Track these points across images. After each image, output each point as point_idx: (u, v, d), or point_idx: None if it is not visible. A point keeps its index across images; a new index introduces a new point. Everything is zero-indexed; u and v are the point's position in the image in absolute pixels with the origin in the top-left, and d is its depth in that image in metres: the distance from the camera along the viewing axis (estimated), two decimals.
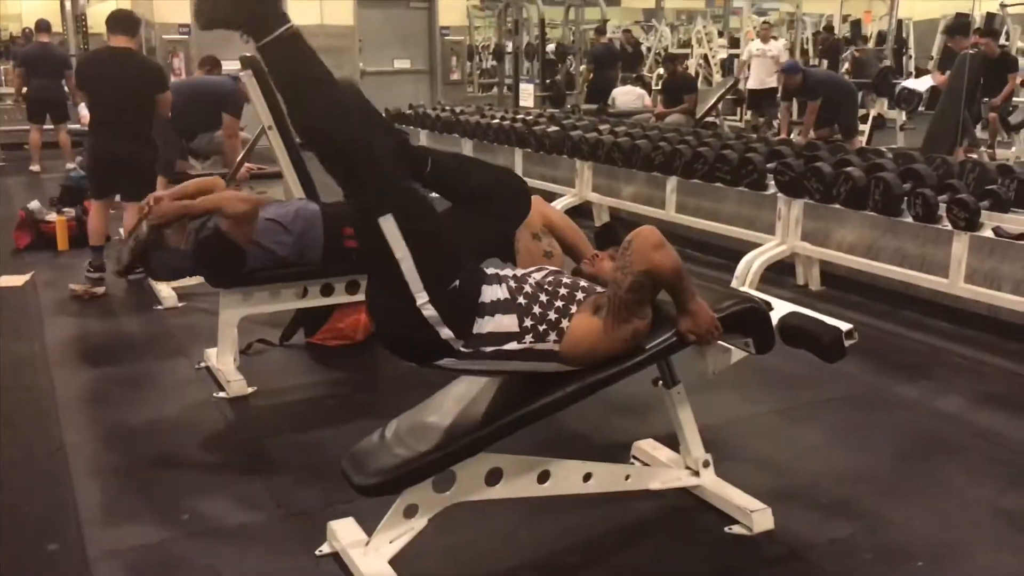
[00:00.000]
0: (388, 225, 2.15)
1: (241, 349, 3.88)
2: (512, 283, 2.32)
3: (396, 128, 2.67)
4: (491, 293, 2.28)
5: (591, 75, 10.28)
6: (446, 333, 2.21)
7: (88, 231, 5.33)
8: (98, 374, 3.95)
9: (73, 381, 3.84)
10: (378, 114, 2.48)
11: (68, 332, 4.50)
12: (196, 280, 4.60)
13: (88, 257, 5.16)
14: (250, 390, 3.63)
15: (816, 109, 8.22)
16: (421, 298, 2.17)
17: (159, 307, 4.78)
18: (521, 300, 2.28)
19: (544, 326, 2.26)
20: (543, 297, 2.30)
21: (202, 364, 3.92)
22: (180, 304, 4.78)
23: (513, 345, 2.25)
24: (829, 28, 14.19)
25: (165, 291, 4.86)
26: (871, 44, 14.06)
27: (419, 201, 2.25)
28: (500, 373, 2.37)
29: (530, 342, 2.26)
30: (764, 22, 12.26)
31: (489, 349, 2.24)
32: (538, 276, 2.40)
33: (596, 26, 12.81)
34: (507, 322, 2.25)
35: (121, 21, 5.18)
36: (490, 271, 2.37)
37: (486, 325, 2.24)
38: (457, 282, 2.22)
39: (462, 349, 2.23)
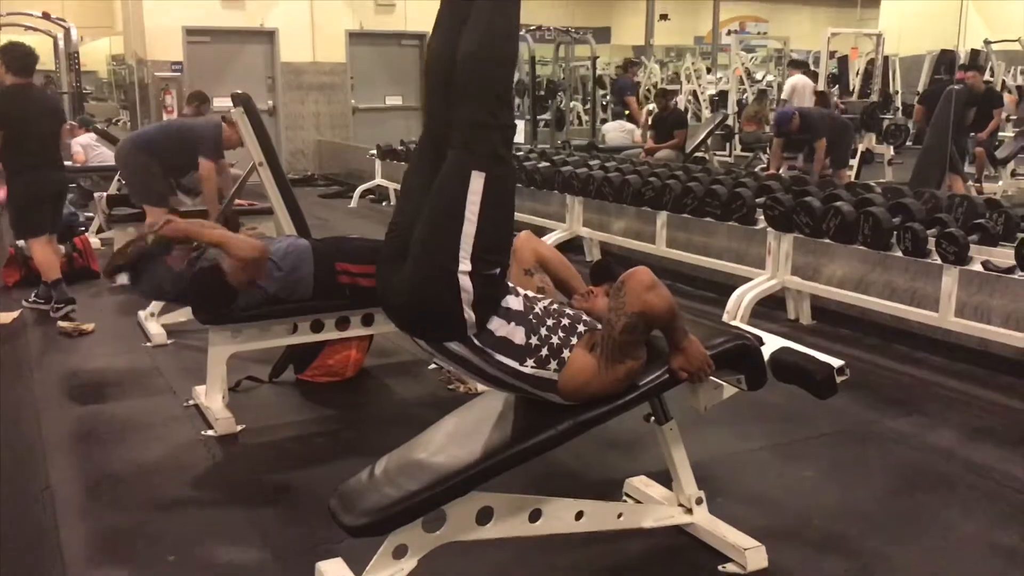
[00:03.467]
0: (476, 183, 2.16)
1: (230, 386, 3.86)
2: (527, 301, 2.34)
3: None
4: (510, 301, 2.29)
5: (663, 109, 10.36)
6: (468, 314, 2.20)
7: (41, 268, 5.34)
8: (86, 412, 3.92)
9: (60, 419, 3.80)
10: None
11: (56, 370, 4.46)
12: (185, 316, 4.60)
13: (78, 294, 5.14)
14: (239, 428, 3.60)
15: (825, 146, 8.29)
16: (464, 265, 2.16)
17: (148, 344, 4.75)
18: (532, 317, 2.29)
19: (546, 351, 2.27)
20: (549, 321, 2.31)
21: (191, 402, 3.89)
22: (169, 342, 4.75)
23: (515, 364, 2.25)
24: (795, 63, 14.32)
25: (154, 328, 4.83)
26: (858, 78, 14.19)
27: (512, 179, 2.29)
28: (499, 385, 2.35)
29: (532, 366, 2.25)
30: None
31: (495, 356, 2.24)
32: (544, 302, 2.41)
33: (623, 61, 12.93)
34: (517, 332, 2.26)
35: (20, 58, 5.19)
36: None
37: (499, 327, 2.25)
38: (497, 270, 2.23)
39: (474, 340, 2.23)
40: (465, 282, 2.17)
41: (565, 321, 2.34)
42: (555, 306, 2.40)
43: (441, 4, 2.36)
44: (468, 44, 2.21)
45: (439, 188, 2.22)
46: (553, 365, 2.27)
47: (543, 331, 2.28)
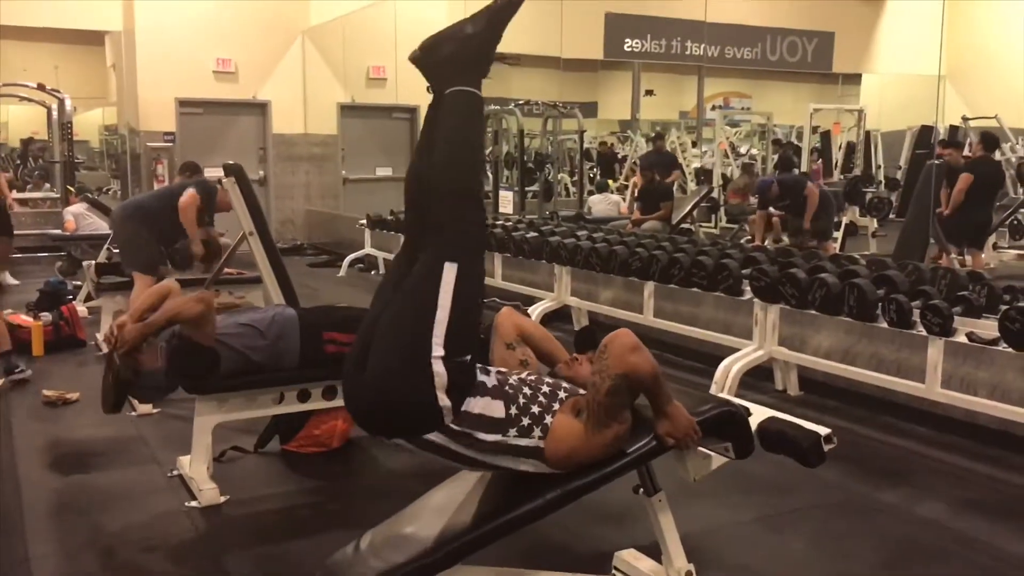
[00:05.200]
0: (449, 274, 2.22)
1: (215, 456, 3.82)
2: (499, 375, 2.36)
3: None
4: (483, 379, 2.31)
5: (642, 181, 10.54)
6: (443, 400, 2.21)
7: None
8: (67, 482, 3.86)
9: (41, 489, 3.75)
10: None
11: (38, 439, 4.41)
12: None
13: (64, 362, 5.11)
14: (223, 499, 3.55)
15: (816, 193, 8.47)
16: (438, 351, 2.19)
17: (133, 413, 4.71)
18: (508, 389, 2.31)
19: (528, 419, 2.27)
20: (526, 390, 2.33)
21: (175, 472, 3.85)
22: (154, 411, 4.71)
23: (499, 437, 2.24)
24: (777, 141, 14.65)
25: None
26: (840, 153, 14.46)
27: (481, 271, 2.37)
28: (485, 465, 2.34)
29: (515, 435, 2.25)
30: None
31: (478, 436, 2.23)
32: (520, 375, 2.42)
33: (654, 134, 13.15)
34: (495, 406, 2.27)
35: None
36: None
37: (476, 405, 2.25)
38: (468, 357, 2.27)
39: (452, 426, 2.23)
40: (439, 367, 2.20)
41: (545, 388, 2.36)
42: (532, 377, 2.41)
43: (421, 131, 2.52)
44: (434, 155, 2.34)
45: (412, 281, 2.30)
46: (537, 432, 2.27)
47: (521, 399, 2.30)
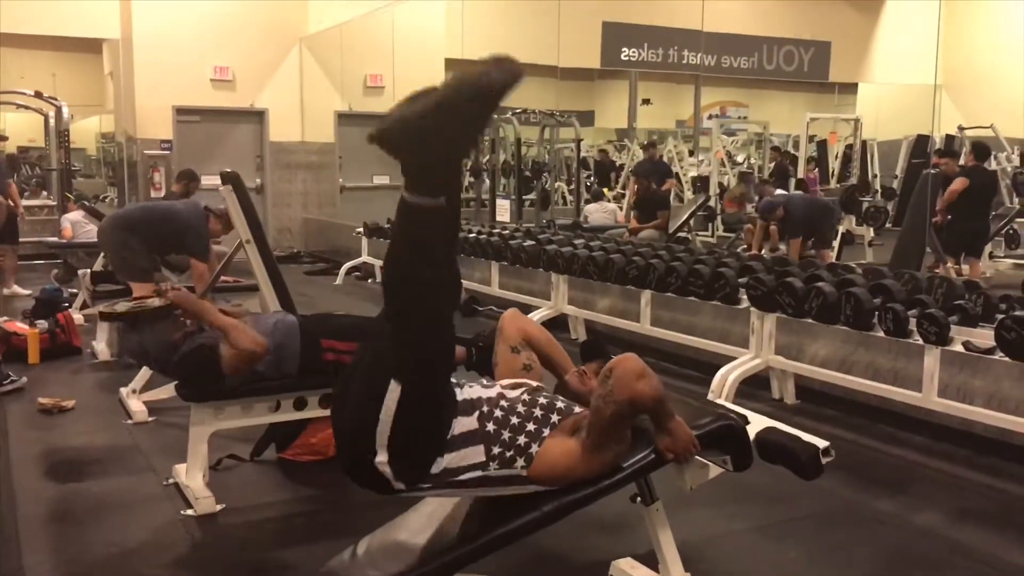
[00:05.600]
0: (392, 394, 2.13)
1: (211, 465, 3.81)
2: (485, 408, 2.30)
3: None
4: (461, 425, 2.26)
5: (637, 189, 10.57)
6: (399, 485, 2.22)
7: None
8: (63, 491, 3.85)
9: (36, 498, 3.73)
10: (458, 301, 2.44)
11: (34, 447, 4.39)
12: (167, 394, 4.56)
13: (60, 370, 5.09)
14: (219, 507, 3.54)
15: (799, 245, 8.49)
16: (380, 456, 2.18)
17: (129, 421, 4.70)
18: (490, 427, 2.26)
19: (512, 452, 2.24)
20: (514, 420, 2.28)
21: (170, 480, 3.83)
22: (150, 419, 4.70)
23: (479, 473, 2.23)
24: (776, 148, 14.71)
25: (135, 406, 4.78)
26: (837, 161, 14.50)
27: (437, 391, 2.22)
28: (463, 495, 2.34)
29: (496, 468, 2.24)
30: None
31: (452, 479, 2.23)
32: (513, 394, 2.38)
33: (647, 142, 13.19)
34: (473, 453, 2.24)
35: None
36: (468, 394, 2.35)
37: (450, 460, 2.24)
38: (424, 453, 2.22)
39: (422, 485, 2.25)
40: (384, 469, 2.19)
41: (537, 412, 2.31)
42: (524, 398, 2.36)
43: None
44: (383, 275, 2.25)
45: (362, 379, 2.22)
46: (520, 462, 2.25)
47: (506, 434, 2.26)
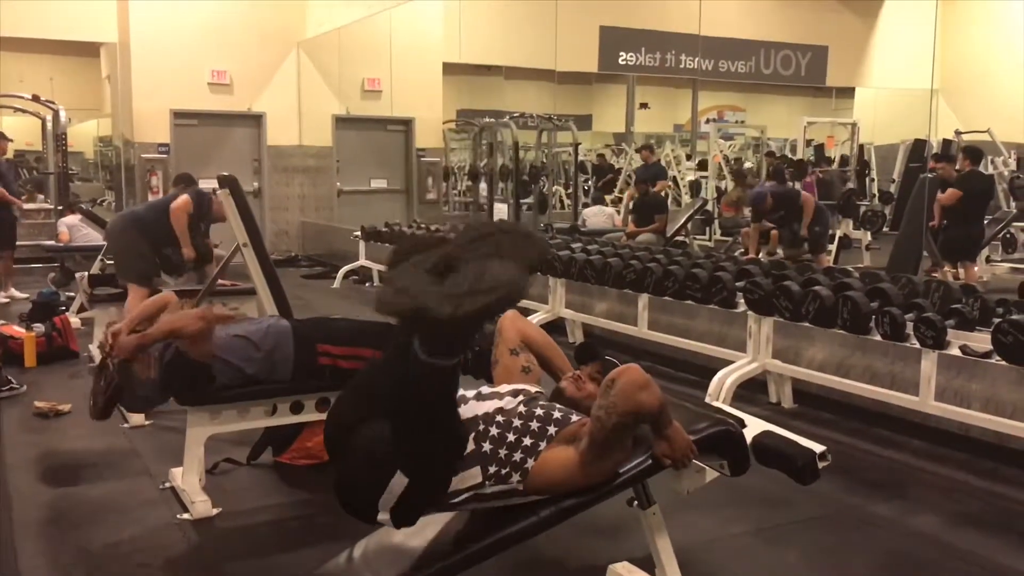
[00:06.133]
0: (398, 481, 2.16)
1: (207, 468, 3.80)
2: (481, 427, 2.29)
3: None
4: None
5: (637, 193, 10.59)
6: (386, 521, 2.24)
7: None
8: (59, 495, 3.84)
9: (32, 502, 3.72)
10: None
11: (30, 451, 4.38)
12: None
13: (56, 373, 5.09)
14: (215, 511, 3.53)
15: (812, 203, 8.56)
16: (383, 516, 2.21)
17: (125, 425, 4.69)
18: (486, 447, 2.25)
19: (508, 469, 2.24)
20: (511, 437, 2.26)
21: (167, 484, 3.83)
22: (147, 423, 4.69)
23: (475, 492, 2.23)
24: (771, 153, 14.74)
25: None
26: (834, 166, 14.53)
27: (445, 488, 2.25)
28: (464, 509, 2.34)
29: (491, 485, 2.24)
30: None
31: (451, 502, 2.24)
32: (510, 407, 2.37)
33: (643, 145, 13.21)
34: (469, 476, 2.24)
35: None
36: (465, 411, 2.34)
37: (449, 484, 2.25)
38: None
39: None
40: (384, 517, 2.22)
41: (534, 425, 2.30)
42: (521, 410, 2.35)
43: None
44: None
45: (366, 447, 2.18)
46: (516, 478, 2.24)
47: (502, 452, 2.25)
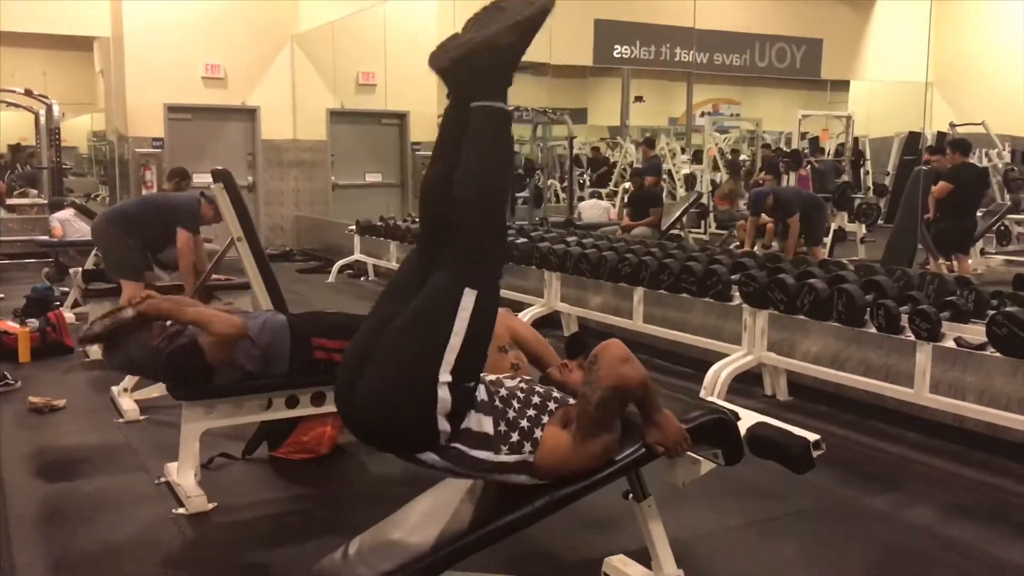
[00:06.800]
0: (467, 300, 2.16)
1: (203, 463, 3.80)
2: (490, 385, 2.32)
3: None
4: (479, 393, 2.28)
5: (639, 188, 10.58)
6: (443, 424, 2.18)
7: None
8: (54, 490, 3.83)
9: (27, 498, 3.72)
10: None
11: (24, 446, 4.37)
12: (158, 392, 4.55)
13: (51, 369, 5.07)
14: (211, 506, 3.53)
15: (798, 223, 8.50)
16: (445, 376, 2.15)
17: (120, 420, 4.68)
18: (497, 403, 2.28)
19: (518, 435, 2.25)
20: (515, 403, 2.30)
21: (162, 479, 3.82)
22: (142, 417, 4.69)
23: (490, 455, 2.23)
24: (766, 146, 14.75)
25: (127, 404, 4.77)
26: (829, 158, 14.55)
27: (498, 298, 2.30)
28: (471, 478, 2.33)
29: (506, 453, 2.24)
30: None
31: (469, 454, 2.21)
32: (510, 383, 2.39)
33: (645, 138, 13.20)
34: (485, 422, 2.24)
35: None
36: None
37: (469, 422, 2.22)
38: (474, 383, 2.23)
39: (449, 445, 2.21)
40: (444, 393, 2.16)
41: (535, 399, 2.33)
42: (522, 386, 2.38)
43: (438, 136, 2.41)
44: (462, 188, 2.23)
45: (427, 301, 2.22)
46: (528, 447, 2.25)
47: (511, 414, 2.27)
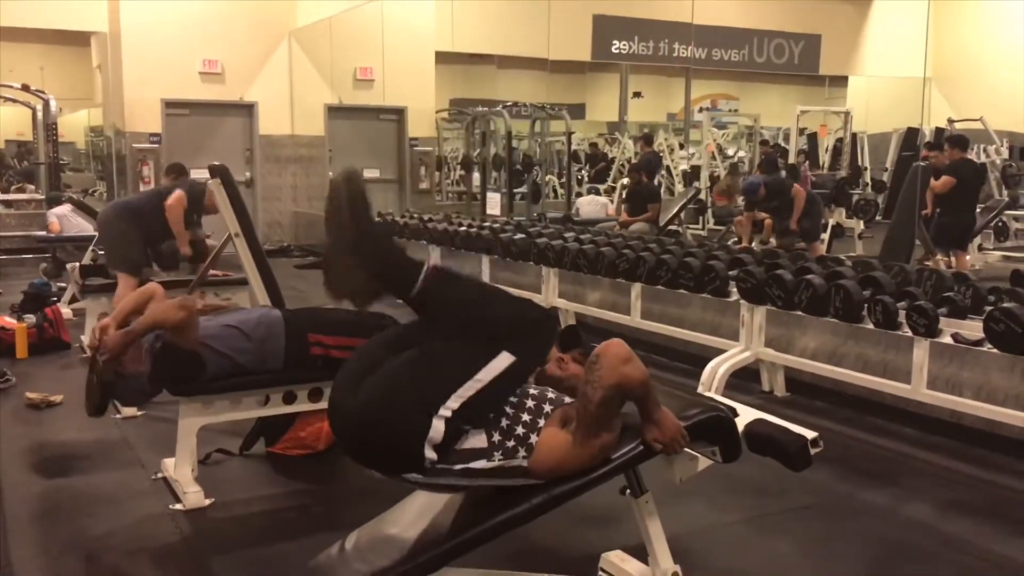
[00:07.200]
0: (501, 361, 2.22)
1: (200, 459, 3.79)
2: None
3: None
4: None
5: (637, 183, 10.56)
6: (429, 453, 2.17)
7: None
8: (51, 485, 3.83)
9: (24, 494, 3.71)
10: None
11: (22, 442, 4.37)
12: None
13: (48, 364, 5.07)
14: (207, 502, 3.53)
15: (803, 195, 8.55)
16: (446, 410, 2.17)
17: (117, 416, 4.68)
18: (490, 416, 2.26)
19: (512, 442, 2.24)
20: (508, 410, 2.28)
21: (159, 475, 3.82)
22: (139, 413, 4.67)
23: (482, 463, 2.22)
24: (764, 142, 14.75)
25: None
26: (827, 155, 14.54)
27: (529, 375, 2.38)
28: (464, 489, 2.32)
29: (499, 459, 2.23)
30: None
31: (458, 467, 2.21)
32: None
33: (643, 134, 13.16)
34: (477, 439, 2.22)
35: None
36: None
37: (461, 441, 2.21)
38: (470, 428, 2.23)
39: (431, 467, 2.19)
40: (439, 425, 2.16)
41: (530, 403, 2.31)
42: (516, 390, 2.37)
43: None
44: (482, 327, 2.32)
45: (463, 341, 2.26)
46: (522, 452, 2.24)
47: (504, 422, 2.26)
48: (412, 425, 2.16)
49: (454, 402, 2.16)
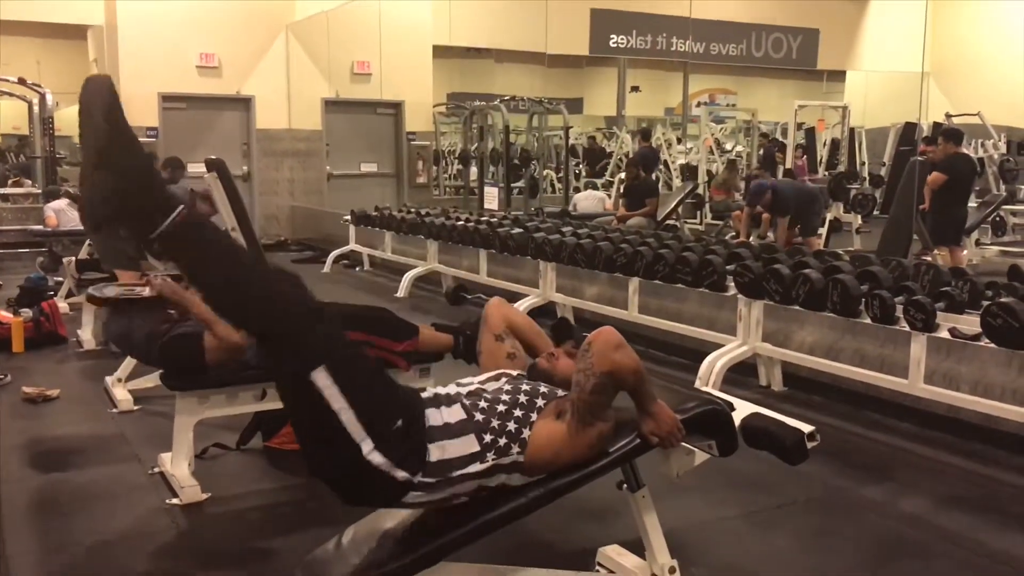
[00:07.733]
0: (321, 378, 2.06)
1: (197, 454, 3.79)
2: (466, 400, 2.29)
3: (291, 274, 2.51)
4: (441, 416, 2.24)
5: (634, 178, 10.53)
6: (401, 475, 2.14)
7: None
8: (47, 481, 3.82)
9: (20, 488, 3.71)
10: (270, 265, 2.50)
11: (18, 436, 4.36)
12: (152, 383, 4.54)
13: (45, 359, 5.06)
14: (204, 496, 3.52)
15: (786, 224, 8.51)
16: (367, 447, 2.09)
17: (114, 410, 4.67)
18: (478, 416, 2.25)
19: (505, 439, 2.23)
20: (500, 408, 2.27)
21: (156, 469, 3.81)
22: (136, 408, 4.67)
23: (477, 466, 2.21)
24: (764, 135, 14.75)
25: (121, 394, 4.76)
26: (825, 149, 14.53)
27: (347, 345, 2.21)
28: (470, 494, 2.30)
29: (493, 459, 2.22)
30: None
31: (455, 474, 2.20)
32: (494, 386, 2.37)
33: (641, 129, 13.14)
34: (466, 444, 2.21)
35: None
36: (442, 390, 2.35)
37: (444, 450, 2.19)
38: (400, 421, 2.16)
39: (424, 480, 2.18)
40: (378, 459, 2.11)
41: (522, 398, 2.31)
42: (506, 387, 2.36)
43: None
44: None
45: (291, 400, 2.20)
46: (515, 449, 2.24)
47: (495, 422, 2.24)
48: (363, 477, 2.13)
49: (360, 437, 2.09)
